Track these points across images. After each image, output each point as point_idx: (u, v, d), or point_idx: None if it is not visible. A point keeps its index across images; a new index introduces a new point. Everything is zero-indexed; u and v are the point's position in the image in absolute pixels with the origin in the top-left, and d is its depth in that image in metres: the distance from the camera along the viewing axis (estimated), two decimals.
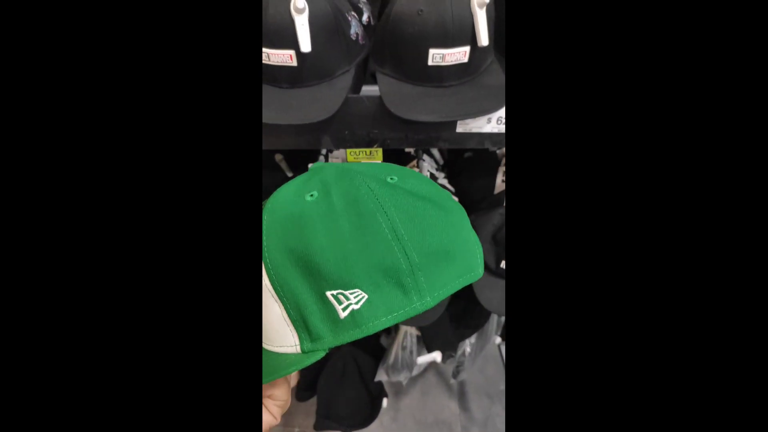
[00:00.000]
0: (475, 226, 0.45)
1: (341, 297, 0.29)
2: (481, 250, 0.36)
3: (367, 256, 0.29)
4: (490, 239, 0.77)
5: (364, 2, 0.56)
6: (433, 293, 0.30)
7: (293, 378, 1.06)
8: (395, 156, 0.84)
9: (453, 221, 0.34)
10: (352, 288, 0.29)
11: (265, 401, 0.34)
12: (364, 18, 0.55)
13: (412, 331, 0.92)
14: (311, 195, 0.32)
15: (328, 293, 0.29)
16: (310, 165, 0.43)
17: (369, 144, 0.55)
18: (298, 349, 0.31)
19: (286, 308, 0.30)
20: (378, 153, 0.58)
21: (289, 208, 0.32)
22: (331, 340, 0.30)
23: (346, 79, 0.50)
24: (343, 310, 0.29)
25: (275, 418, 0.34)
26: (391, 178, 0.33)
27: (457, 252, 0.32)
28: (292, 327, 0.30)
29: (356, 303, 0.29)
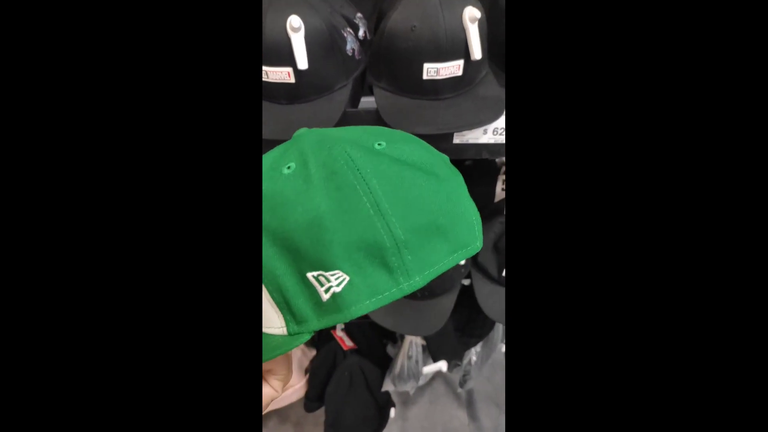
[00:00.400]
0: None
1: (322, 279, 0.27)
2: (479, 221, 0.32)
3: (347, 234, 0.27)
4: (491, 248, 0.78)
5: (359, 17, 0.58)
6: (422, 272, 0.28)
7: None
8: None
9: (446, 191, 0.30)
10: (333, 269, 0.27)
11: (266, 375, 0.33)
12: (360, 33, 0.56)
13: (418, 341, 0.92)
14: (288, 167, 0.29)
15: (309, 275, 0.27)
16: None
17: None
18: (285, 331, 0.29)
19: (268, 290, 0.28)
20: None
21: (264, 183, 0.29)
22: (315, 323, 0.28)
23: (343, 94, 0.51)
24: (325, 292, 0.27)
25: (276, 391, 0.33)
26: (379, 144, 0.30)
27: (450, 225, 0.30)
28: (276, 309, 0.29)
29: (337, 285, 0.27)
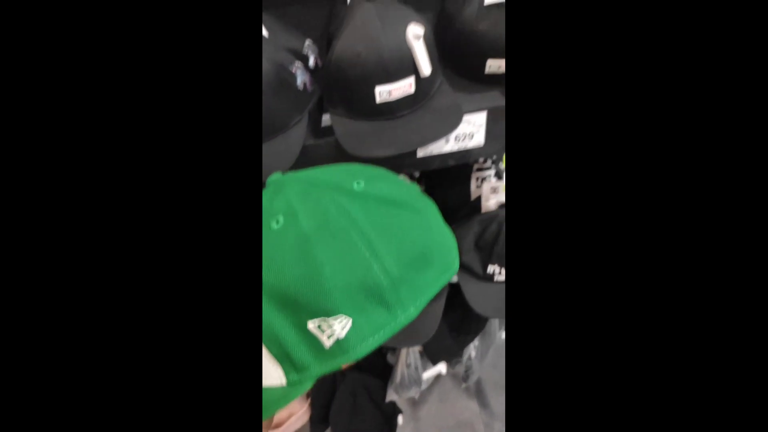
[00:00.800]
0: (457, 237, 0.45)
1: (324, 325, 0.27)
2: (455, 243, 0.34)
3: (347, 278, 0.28)
4: (473, 247, 0.78)
5: (308, 45, 0.57)
6: (415, 302, 0.29)
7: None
8: None
9: (426, 221, 0.32)
10: (335, 314, 0.27)
11: None
12: (311, 62, 0.55)
13: (414, 348, 0.93)
14: (276, 222, 0.30)
15: (310, 324, 0.27)
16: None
17: None
18: (284, 382, 0.29)
19: (266, 345, 0.29)
20: None
21: None
22: (317, 369, 0.28)
23: (299, 129, 0.51)
24: (328, 338, 0.28)
25: None
26: (358, 183, 0.32)
27: (434, 252, 0.31)
28: (274, 361, 0.29)
29: (341, 329, 0.27)
